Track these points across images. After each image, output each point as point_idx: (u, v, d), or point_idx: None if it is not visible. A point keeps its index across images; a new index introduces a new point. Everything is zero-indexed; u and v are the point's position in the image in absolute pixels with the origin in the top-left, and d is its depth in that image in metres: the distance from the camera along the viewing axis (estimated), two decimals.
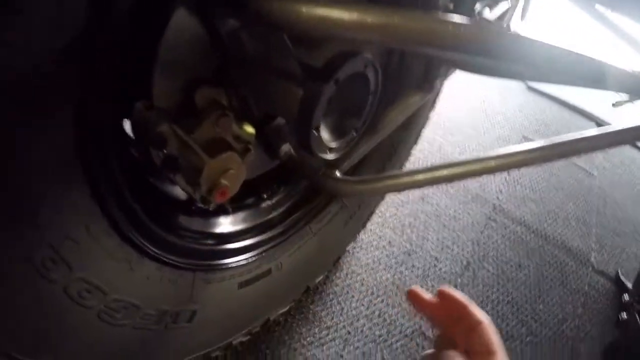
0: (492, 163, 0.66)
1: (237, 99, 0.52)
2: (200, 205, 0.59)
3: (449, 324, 0.50)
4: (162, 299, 0.59)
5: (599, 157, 2.10)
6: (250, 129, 0.54)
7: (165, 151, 0.50)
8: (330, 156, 0.52)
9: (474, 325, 0.47)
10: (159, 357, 0.65)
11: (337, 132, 0.53)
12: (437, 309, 0.52)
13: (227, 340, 0.76)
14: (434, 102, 0.95)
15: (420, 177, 0.63)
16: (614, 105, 1.09)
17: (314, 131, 0.47)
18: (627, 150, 2.27)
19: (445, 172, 0.64)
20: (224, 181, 0.50)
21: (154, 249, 0.54)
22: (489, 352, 0.45)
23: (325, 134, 0.51)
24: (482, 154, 0.66)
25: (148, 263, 0.55)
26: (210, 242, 0.63)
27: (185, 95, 0.50)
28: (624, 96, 1.05)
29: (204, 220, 0.64)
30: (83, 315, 0.51)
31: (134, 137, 0.57)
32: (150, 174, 0.60)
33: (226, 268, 0.65)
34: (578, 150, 0.68)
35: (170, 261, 0.57)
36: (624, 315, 1.40)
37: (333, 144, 0.52)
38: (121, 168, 0.48)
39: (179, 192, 0.62)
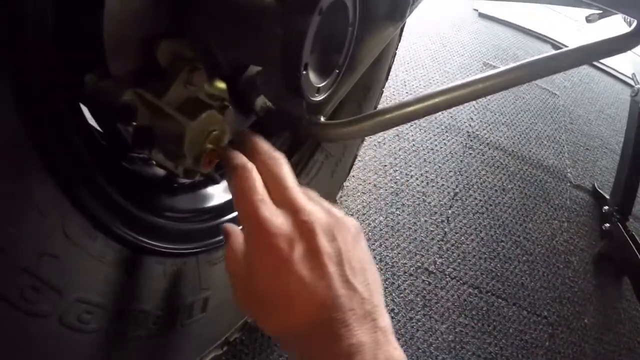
0: (480, 85, 0.64)
1: (203, 51, 0.45)
2: (182, 180, 0.54)
3: None
4: (171, 295, 0.53)
5: (558, 77, 2.11)
6: (221, 84, 0.49)
7: (135, 124, 0.44)
8: (318, 97, 0.47)
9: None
10: (181, 359, 0.60)
11: (321, 71, 0.48)
12: None
13: (242, 320, 0.72)
14: (400, 36, 0.91)
15: (410, 109, 0.59)
16: (587, 19, 1.08)
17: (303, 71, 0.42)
18: (584, 69, 2.29)
19: (436, 100, 0.60)
20: (210, 145, 0.45)
21: (147, 241, 0.48)
22: None
23: (310, 75, 0.46)
24: (468, 79, 0.64)
25: (146, 259, 0.48)
26: (205, 218, 0.58)
27: (144, 55, 0.43)
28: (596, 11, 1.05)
29: (194, 195, 0.58)
30: (90, 341, 0.44)
31: (95, 122, 0.51)
32: (123, 158, 0.54)
33: None
34: (549, 69, 0.67)
35: (170, 250, 0.51)
36: (607, 225, 1.46)
37: (319, 85, 0.47)
38: (90, 156, 0.42)
39: (158, 171, 0.56)
